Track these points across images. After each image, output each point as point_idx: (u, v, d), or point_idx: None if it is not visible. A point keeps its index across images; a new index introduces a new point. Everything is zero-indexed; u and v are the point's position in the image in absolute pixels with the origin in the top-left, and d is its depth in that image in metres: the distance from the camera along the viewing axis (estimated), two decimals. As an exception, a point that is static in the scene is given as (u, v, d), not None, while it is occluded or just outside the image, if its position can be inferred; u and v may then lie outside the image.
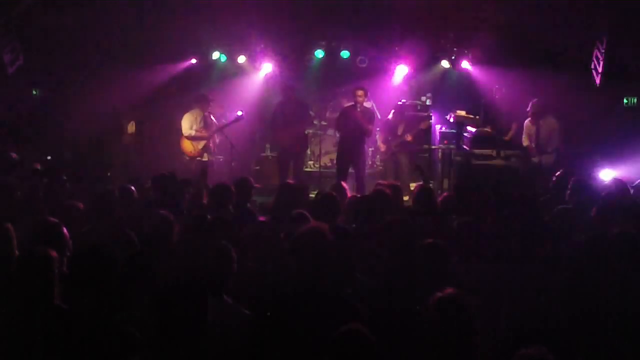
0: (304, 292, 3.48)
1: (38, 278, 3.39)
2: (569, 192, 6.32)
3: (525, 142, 10.17)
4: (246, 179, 6.91)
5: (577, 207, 5.95)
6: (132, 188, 6.54)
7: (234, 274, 3.91)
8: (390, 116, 11.29)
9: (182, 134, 10.81)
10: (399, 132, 10.99)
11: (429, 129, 11.07)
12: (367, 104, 11.50)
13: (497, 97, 11.61)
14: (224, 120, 11.22)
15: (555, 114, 10.15)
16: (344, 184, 7.58)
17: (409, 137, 10.80)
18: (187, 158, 10.86)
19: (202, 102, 10.75)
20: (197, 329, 2.92)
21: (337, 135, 10.68)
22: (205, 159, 10.74)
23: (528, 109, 10.01)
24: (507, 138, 10.45)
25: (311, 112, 11.44)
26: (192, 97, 11.14)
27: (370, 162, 12.23)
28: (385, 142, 11.13)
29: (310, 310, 3.37)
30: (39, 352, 3.18)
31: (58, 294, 3.43)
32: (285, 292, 3.62)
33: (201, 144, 10.71)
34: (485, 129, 10.29)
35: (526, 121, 10.15)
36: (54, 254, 3.52)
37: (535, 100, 9.99)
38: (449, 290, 3.15)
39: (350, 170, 10.20)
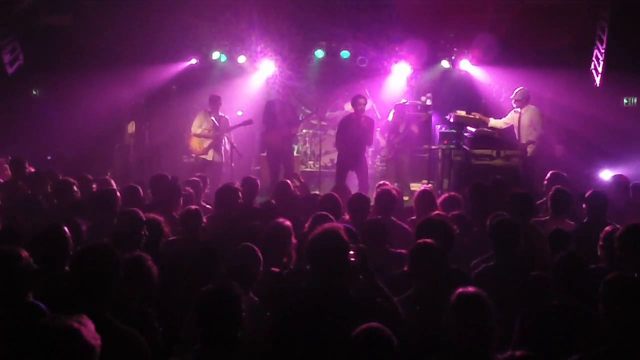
0: (320, 292, 3.44)
1: (3, 275, 3.44)
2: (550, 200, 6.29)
3: (499, 124, 10.07)
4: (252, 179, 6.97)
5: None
6: (138, 187, 6.55)
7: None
8: (390, 117, 11.30)
9: (190, 132, 10.90)
10: (400, 130, 11.00)
11: (429, 123, 11.08)
12: (367, 104, 11.50)
13: (496, 96, 11.63)
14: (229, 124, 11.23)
15: (538, 104, 10.08)
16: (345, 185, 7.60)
17: (414, 128, 10.84)
18: (193, 155, 10.90)
19: (214, 102, 10.75)
20: (235, 329, 3.08)
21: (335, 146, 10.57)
22: (210, 158, 10.74)
23: (512, 95, 9.95)
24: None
25: (307, 111, 11.42)
26: (193, 97, 11.16)
27: (370, 163, 12.23)
28: (388, 142, 11.13)
29: (330, 312, 3.33)
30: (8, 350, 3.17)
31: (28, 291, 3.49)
32: (302, 293, 3.60)
33: (206, 142, 10.73)
34: (486, 129, 10.27)
35: (512, 110, 10.06)
36: (24, 253, 3.54)
37: (521, 88, 9.94)
38: (470, 288, 3.15)
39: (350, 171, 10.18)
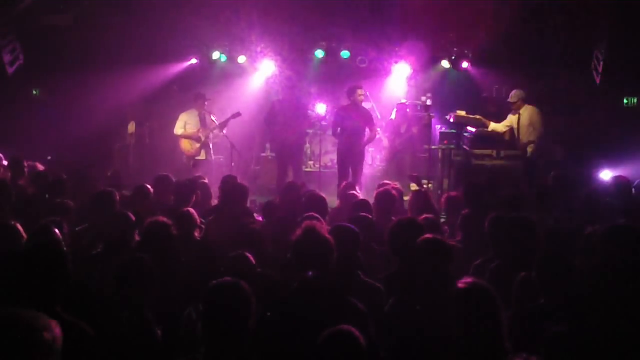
0: (304, 292, 3.48)
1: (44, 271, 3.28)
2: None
3: (499, 127, 10.03)
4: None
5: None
6: (148, 187, 6.55)
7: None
8: (392, 116, 11.29)
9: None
10: (402, 130, 11.00)
11: (429, 125, 11.07)
12: (367, 104, 11.49)
13: (496, 96, 11.63)
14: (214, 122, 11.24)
15: (537, 103, 10.07)
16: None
17: (415, 130, 10.81)
18: (186, 157, 10.90)
19: (198, 100, 10.78)
20: (244, 325, 2.99)
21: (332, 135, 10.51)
22: (202, 157, 10.75)
23: (508, 99, 9.94)
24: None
25: (310, 112, 11.42)
26: (190, 96, 11.16)
27: (370, 162, 12.23)
28: (390, 141, 11.13)
29: (310, 311, 3.37)
30: None
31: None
32: (286, 293, 3.62)
33: (197, 143, 10.74)
34: (486, 129, 10.27)
35: (510, 113, 10.06)
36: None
37: (515, 90, 9.93)
38: (472, 280, 3.10)
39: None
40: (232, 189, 6.53)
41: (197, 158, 10.75)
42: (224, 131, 10.71)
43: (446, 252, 3.84)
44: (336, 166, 10.41)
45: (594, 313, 3.17)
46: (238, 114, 10.67)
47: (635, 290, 3.18)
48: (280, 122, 10.20)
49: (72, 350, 3.01)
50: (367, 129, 9.92)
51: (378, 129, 11.69)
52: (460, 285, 3.07)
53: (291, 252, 3.58)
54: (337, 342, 2.86)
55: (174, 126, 10.89)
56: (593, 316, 3.17)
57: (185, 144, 10.86)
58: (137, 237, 4.96)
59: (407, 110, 11.31)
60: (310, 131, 12.16)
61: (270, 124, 10.51)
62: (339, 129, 9.97)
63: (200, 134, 10.71)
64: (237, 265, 4.02)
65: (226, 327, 2.96)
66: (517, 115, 9.83)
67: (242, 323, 2.98)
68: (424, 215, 5.40)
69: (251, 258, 4.17)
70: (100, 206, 5.70)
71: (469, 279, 3.11)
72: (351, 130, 9.79)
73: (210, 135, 10.85)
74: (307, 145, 12.52)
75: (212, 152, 10.96)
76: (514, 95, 9.82)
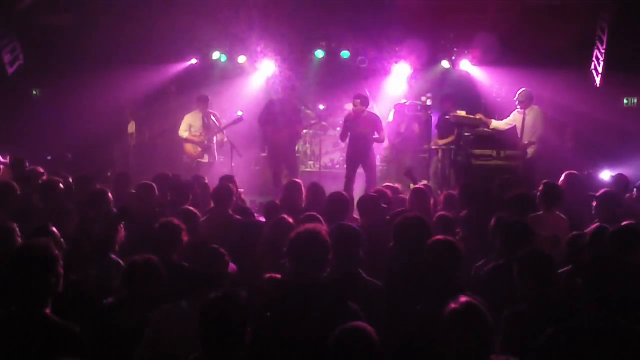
0: (300, 291, 3.49)
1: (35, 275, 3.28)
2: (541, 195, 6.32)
3: (500, 125, 10.00)
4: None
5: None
6: (154, 185, 6.55)
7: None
8: (390, 118, 11.30)
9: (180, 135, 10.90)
10: (401, 130, 11.01)
11: (429, 124, 11.07)
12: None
13: (496, 97, 11.62)
14: (224, 121, 11.24)
15: (542, 104, 10.05)
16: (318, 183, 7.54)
17: (415, 127, 10.81)
18: (190, 159, 10.88)
19: (201, 102, 10.78)
20: (239, 338, 3.04)
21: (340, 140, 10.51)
22: (205, 160, 10.76)
23: (515, 97, 9.93)
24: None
25: (308, 112, 11.39)
26: (192, 97, 11.16)
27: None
28: (390, 142, 11.12)
29: (306, 310, 3.39)
30: None
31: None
32: (284, 291, 3.62)
33: (201, 146, 10.74)
34: (486, 129, 10.25)
35: (514, 111, 10.04)
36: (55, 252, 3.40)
37: (522, 89, 9.91)
38: (464, 298, 3.00)
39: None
40: (218, 189, 6.51)
41: (200, 160, 10.76)
42: (224, 132, 10.73)
43: (458, 255, 3.80)
44: (337, 167, 10.41)
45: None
46: (240, 119, 10.67)
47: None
48: (274, 122, 10.18)
49: (59, 351, 3.03)
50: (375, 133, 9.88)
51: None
52: (453, 305, 2.96)
53: (286, 253, 3.58)
54: (351, 338, 2.87)
55: (178, 127, 10.89)
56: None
57: (188, 147, 10.87)
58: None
59: (406, 111, 11.31)
60: (309, 132, 12.15)
61: (263, 124, 10.48)
62: (348, 134, 9.93)
63: (204, 138, 10.71)
64: None
65: (221, 338, 3.01)
66: (522, 115, 9.80)
67: (236, 334, 3.03)
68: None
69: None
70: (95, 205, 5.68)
71: (463, 299, 2.99)
72: (358, 136, 9.73)
73: (214, 139, 10.85)
74: (307, 145, 12.52)
75: (215, 154, 10.94)
76: (522, 94, 9.76)
